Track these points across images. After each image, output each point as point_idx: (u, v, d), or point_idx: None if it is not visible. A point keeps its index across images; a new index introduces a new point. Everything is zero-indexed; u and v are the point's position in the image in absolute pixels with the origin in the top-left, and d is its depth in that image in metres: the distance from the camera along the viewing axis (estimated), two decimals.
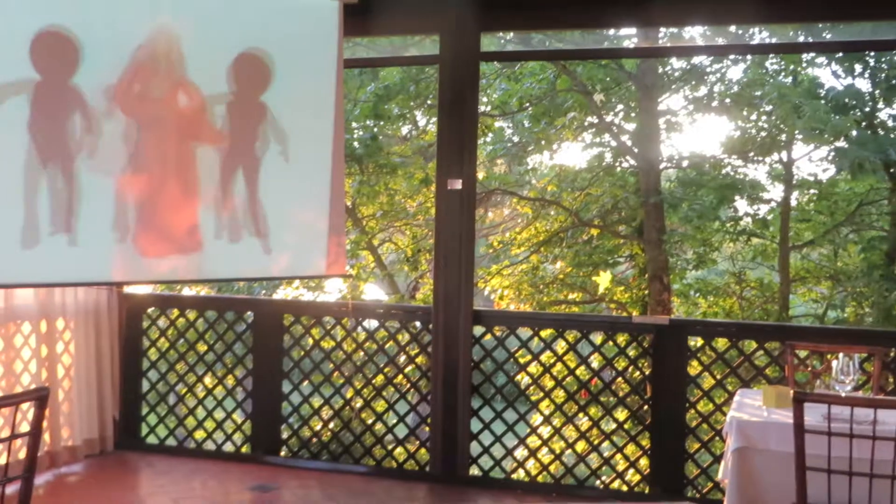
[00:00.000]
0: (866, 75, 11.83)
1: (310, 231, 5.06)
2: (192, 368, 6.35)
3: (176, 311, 6.41)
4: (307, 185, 5.03)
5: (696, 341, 5.45)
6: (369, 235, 13.48)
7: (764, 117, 12.41)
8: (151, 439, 6.38)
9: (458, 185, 5.42)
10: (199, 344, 6.48)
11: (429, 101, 13.00)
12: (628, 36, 12.08)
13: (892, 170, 11.52)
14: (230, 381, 6.34)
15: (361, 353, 6.32)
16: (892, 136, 11.28)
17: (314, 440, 6.23)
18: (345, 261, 5.22)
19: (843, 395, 3.60)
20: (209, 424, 6.35)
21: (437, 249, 5.51)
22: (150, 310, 6.38)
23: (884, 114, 11.79)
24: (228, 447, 6.26)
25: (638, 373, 5.72)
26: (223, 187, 4.78)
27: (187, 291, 9.71)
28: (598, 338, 6.11)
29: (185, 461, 6.04)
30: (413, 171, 12.76)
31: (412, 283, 14.59)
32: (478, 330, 5.69)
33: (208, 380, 6.46)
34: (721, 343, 5.39)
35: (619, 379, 5.64)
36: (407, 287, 14.65)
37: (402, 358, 5.97)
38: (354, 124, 12.93)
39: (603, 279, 12.17)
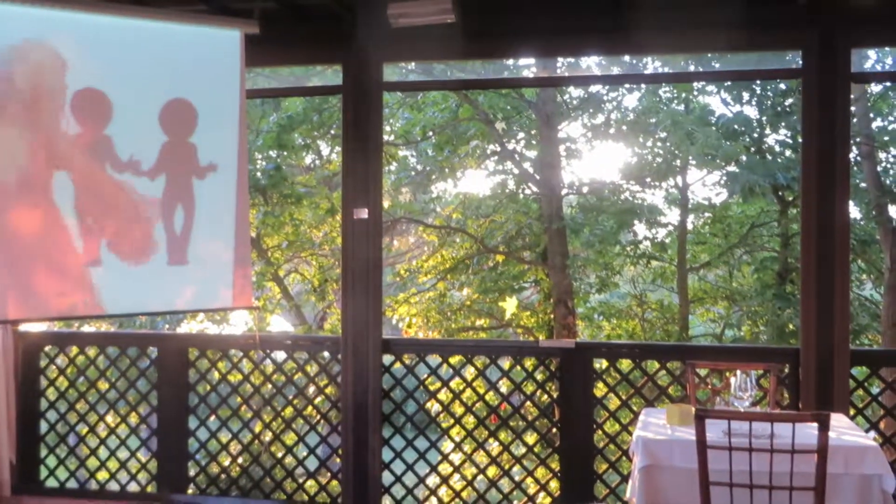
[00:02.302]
0: (754, 103, 12.30)
1: (216, 263, 4.99)
2: (93, 407, 6.15)
3: (75, 349, 6.21)
4: (213, 217, 4.97)
5: (601, 363, 5.56)
6: (275, 266, 13.32)
7: (659, 144, 12.77)
8: (51, 482, 6.14)
9: (364, 213, 5.43)
10: (101, 381, 6.28)
11: (332, 131, 12.98)
12: (528, 66, 12.33)
13: (780, 193, 11.96)
14: (133, 419, 6.17)
15: (269, 386, 6.22)
16: (779, 160, 11.69)
17: (223, 476, 6.09)
18: (251, 292, 5.16)
19: (742, 410, 3.73)
20: (112, 464, 6.16)
21: (344, 278, 5.49)
22: (47, 348, 6.16)
23: (771, 139, 12.26)
24: (133, 487, 6.07)
25: (546, 396, 5.79)
26: (133, 218, 4.68)
27: (87, 328, 9.41)
28: (506, 363, 6.17)
29: None
30: (318, 201, 12.69)
31: (320, 314, 14.46)
32: (387, 359, 5.68)
33: (110, 418, 6.27)
34: (625, 364, 5.51)
35: (528, 403, 5.70)
36: (314, 317, 14.51)
37: (311, 389, 5.91)
38: (258, 154, 12.81)
39: (509, 305, 12.29)
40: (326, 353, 5.83)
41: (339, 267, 12.33)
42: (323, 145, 14.50)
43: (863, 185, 11.42)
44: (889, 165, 11.88)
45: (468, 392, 6.18)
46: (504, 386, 6.45)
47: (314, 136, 13.34)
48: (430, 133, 12.93)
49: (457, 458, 6.00)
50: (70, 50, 4.59)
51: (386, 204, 12.68)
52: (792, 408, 5.01)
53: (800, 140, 5.22)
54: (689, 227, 13.68)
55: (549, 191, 12.62)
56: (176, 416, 5.92)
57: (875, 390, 5.22)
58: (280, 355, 6.10)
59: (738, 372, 3.89)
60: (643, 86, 12.84)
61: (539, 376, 5.88)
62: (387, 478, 5.66)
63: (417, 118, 12.80)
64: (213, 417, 6.14)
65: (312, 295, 13.35)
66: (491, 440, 5.86)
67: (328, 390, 6.13)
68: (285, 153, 12.95)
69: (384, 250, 16.23)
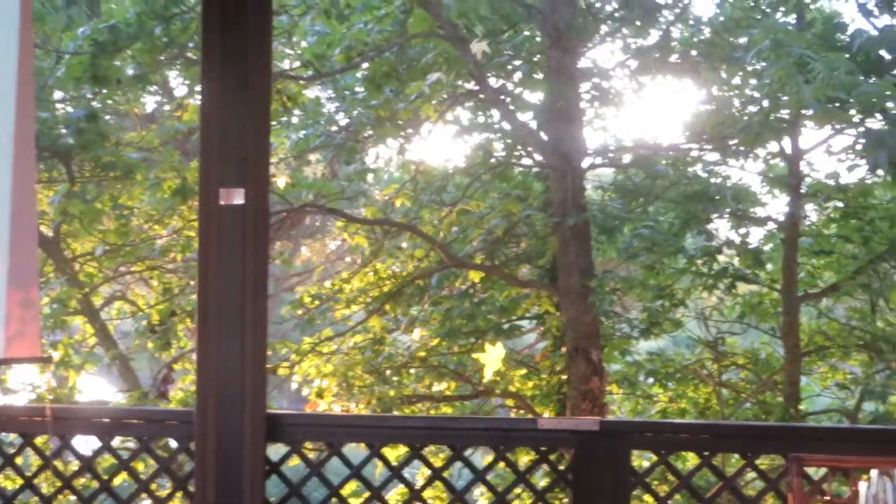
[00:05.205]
0: None
1: None
2: None
3: None
4: None
5: (645, 459, 5.59)
6: (85, 288, 13.24)
7: (752, 81, 12.83)
8: None
9: (238, 197, 5.41)
10: None
11: (189, 54, 12.93)
12: None
13: None
14: None
15: (72, 498, 6.20)
16: None
17: None
18: (38, 333, 5.14)
19: None
20: None
21: (201, 311, 5.48)
22: None
23: None
24: None
25: None
26: None
27: None
28: (484, 458, 6.19)
29: None
30: (163, 176, 12.62)
31: (162, 373, 14.37)
32: (276, 450, 5.66)
33: None
34: (688, 461, 5.53)
35: None
36: (154, 379, 14.43)
37: (146, 502, 5.90)
38: (58, 94, 12.72)
39: (491, 358, 12.25)
40: (172, 441, 5.81)
41: (196, 291, 12.25)
42: (173, 78, 14.44)
43: None
44: None
45: None
46: (483, 499, 6.48)
47: (158, 63, 13.27)
48: (360, 59, 12.91)
49: None
50: None
51: (281, 182, 12.65)
52: None
53: None
54: (803, 225, 13.76)
55: (564, 161, 12.67)
56: None
57: None
58: (92, 443, 6.06)
59: (874, 473, 3.93)
60: None
61: (542, 481, 5.90)
62: None
63: (337, 33, 12.79)
64: None
65: (149, 339, 13.26)
66: None
67: None
68: (105, 91, 12.86)
69: (279, 262, 16.23)
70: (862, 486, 3.95)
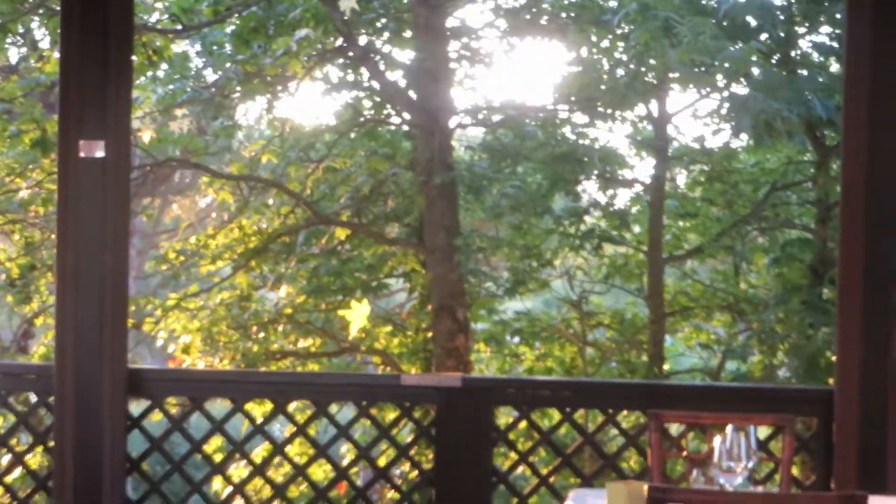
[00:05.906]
0: None
1: None
2: None
3: None
4: None
5: (507, 415, 5.63)
6: None
7: (620, 45, 12.89)
8: None
9: (98, 149, 5.34)
10: None
11: (50, 4, 12.69)
12: None
13: (818, 133, 12.08)
14: None
15: None
16: (819, 77, 11.76)
17: None
18: None
19: (730, 490, 3.83)
20: None
21: (60, 265, 5.41)
22: None
23: (805, 43, 12.47)
24: None
25: (415, 471, 5.84)
26: None
27: None
28: (349, 412, 6.21)
29: None
30: (24, 128, 12.39)
31: (22, 327, 14.17)
32: (137, 406, 5.62)
33: None
34: (551, 417, 5.57)
35: (383, 480, 5.74)
36: (15, 334, 14.23)
37: (5, 457, 5.83)
38: None
39: (357, 314, 12.22)
40: (32, 395, 5.74)
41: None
42: (37, 28, 14.17)
43: None
44: None
45: (281, 464, 6.17)
46: (347, 454, 6.46)
47: (18, 12, 13.00)
48: (227, 13, 12.77)
49: None
50: None
51: (146, 137, 12.49)
52: (820, 487, 5.18)
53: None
54: (669, 187, 13.88)
55: (431, 120, 12.65)
56: None
57: None
58: None
59: (729, 429, 3.97)
60: None
61: (409, 438, 5.92)
62: None
63: None
64: None
65: (10, 293, 13.07)
66: None
67: (35, 460, 6.05)
68: None
69: (145, 218, 16.04)
70: (717, 440, 4.01)
